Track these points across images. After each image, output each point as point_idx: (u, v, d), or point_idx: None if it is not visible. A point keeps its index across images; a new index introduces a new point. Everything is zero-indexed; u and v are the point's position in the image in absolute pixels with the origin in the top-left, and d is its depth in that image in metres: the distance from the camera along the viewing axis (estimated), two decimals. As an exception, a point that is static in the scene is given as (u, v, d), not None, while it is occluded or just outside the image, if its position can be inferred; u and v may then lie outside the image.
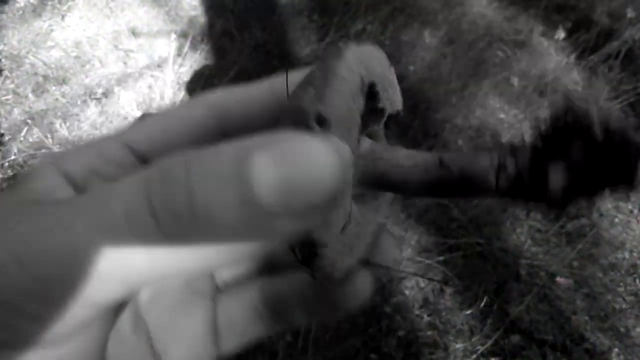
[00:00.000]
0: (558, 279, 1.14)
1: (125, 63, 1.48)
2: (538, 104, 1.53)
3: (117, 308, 0.16)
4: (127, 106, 1.39)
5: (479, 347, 1.03)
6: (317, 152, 0.12)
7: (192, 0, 1.67)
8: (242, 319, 0.21)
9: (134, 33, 1.54)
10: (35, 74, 1.42)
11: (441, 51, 1.62)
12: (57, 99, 1.38)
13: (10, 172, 1.23)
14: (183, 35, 1.54)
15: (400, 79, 0.23)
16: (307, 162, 0.12)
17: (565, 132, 0.13)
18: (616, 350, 1.04)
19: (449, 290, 1.11)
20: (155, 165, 0.13)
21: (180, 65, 1.47)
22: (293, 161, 0.12)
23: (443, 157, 0.17)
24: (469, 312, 1.08)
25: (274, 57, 1.53)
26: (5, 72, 1.41)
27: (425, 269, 1.14)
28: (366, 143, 0.18)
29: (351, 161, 0.14)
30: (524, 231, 1.22)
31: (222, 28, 1.58)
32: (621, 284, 1.15)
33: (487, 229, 1.20)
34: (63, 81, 1.42)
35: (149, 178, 0.13)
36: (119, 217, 0.13)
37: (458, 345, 1.03)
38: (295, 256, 0.15)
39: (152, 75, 1.45)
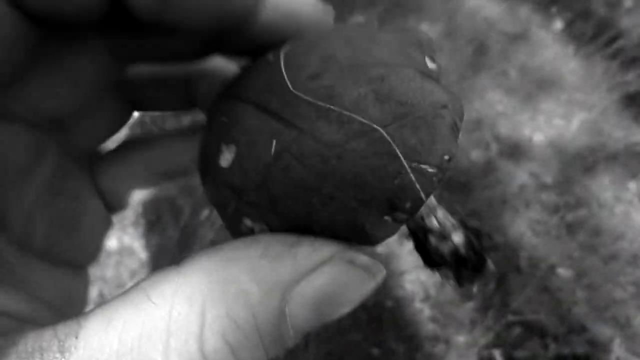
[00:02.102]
0: (558, 270, 1.14)
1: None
2: (536, 96, 1.52)
3: None
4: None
5: (480, 339, 1.03)
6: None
7: None
8: (123, 182, 0.21)
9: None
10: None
11: (438, 44, 1.62)
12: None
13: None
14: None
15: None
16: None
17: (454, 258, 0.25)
18: (617, 340, 1.04)
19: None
20: None
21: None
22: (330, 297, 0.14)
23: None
24: (470, 304, 1.08)
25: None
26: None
27: (426, 263, 1.13)
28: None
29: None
30: (524, 223, 1.22)
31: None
32: (622, 274, 1.15)
33: (487, 222, 1.20)
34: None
35: None
36: None
37: (460, 338, 1.03)
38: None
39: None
